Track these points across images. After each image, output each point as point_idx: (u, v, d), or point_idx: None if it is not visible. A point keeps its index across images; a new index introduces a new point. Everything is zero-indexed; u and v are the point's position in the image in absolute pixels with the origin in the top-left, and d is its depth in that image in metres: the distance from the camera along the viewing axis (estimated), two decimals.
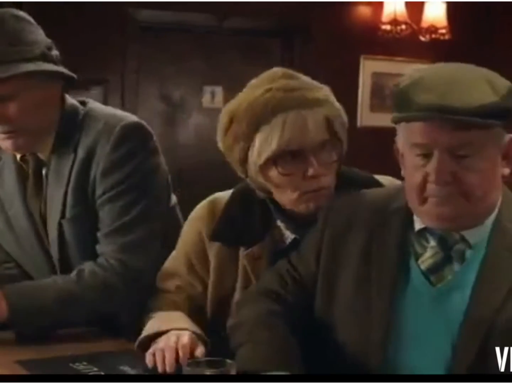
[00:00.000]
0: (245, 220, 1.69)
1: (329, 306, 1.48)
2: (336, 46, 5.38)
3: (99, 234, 1.88)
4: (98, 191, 1.87)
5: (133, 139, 1.87)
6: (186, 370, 1.27)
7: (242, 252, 1.68)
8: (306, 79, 1.69)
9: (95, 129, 1.88)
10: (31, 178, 1.94)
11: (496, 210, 1.42)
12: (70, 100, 1.95)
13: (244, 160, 1.64)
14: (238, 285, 1.69)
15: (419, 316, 1.39)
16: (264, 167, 1.61)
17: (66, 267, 1.91)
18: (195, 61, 5.26)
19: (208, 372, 1.19)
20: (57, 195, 1.89)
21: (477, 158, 1.33)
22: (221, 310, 1.69)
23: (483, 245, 1.40)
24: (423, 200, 1.37)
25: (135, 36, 4.96)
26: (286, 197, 1.63)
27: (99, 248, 1.87)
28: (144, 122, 1.93)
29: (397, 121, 1.40)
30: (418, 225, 1.43)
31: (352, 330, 1.43)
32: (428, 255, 1.41)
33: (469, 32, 5.67)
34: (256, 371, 1.33)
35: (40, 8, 3.95)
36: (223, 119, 1.66)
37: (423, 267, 1.41)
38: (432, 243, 1.41)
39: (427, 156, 1.35)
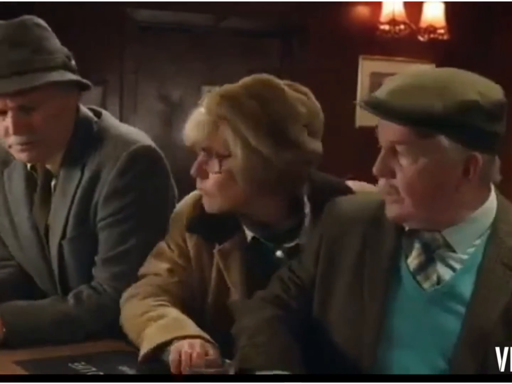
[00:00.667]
0: (217, 217, 1.73)
1: (324, 309, 1.49)
2: (334, 46, 5.38)
3: (96, 258, 1.89)
4: (99, 215, 1.87)
5: (139, 166, 1.85)
6: (188, 371, 1.27)
7: (215, 249, 1.73)
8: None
9: (104, 151, 1.87)
10: (39, 189, 1.94)
11: (491, 219, 1.41)
12: (84, 110, 1.94)
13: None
14: (213, 281, 1.74)
15: (410, 320, 1.40)
16: None
17: (65, 283, 1.93)
18: (194, 61, 5.26)
19: (207, 371, 1.19)
20: (60, 213, 1.90)
21: (411, 160, 1.35)
22: (203, 301, 1.75)
23: (478, 256, 1.40)
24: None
25: (134, 36, 4.96)
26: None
27: (94, 271, 1.88)
28: (153, 145, 1.92)
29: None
30: (407, 226, 1.45)
31: (345, 332, 1.44)
32: (413, 255, 1.43)
33: (467, 32, 5.67)
34: (255, 371, 1.33)
35: (39, 8, 3.95)
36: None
37: (411, 268, 1.42)
38: (417, 245, 1.43)
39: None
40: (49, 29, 1.86)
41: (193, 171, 1.71)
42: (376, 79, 5.47)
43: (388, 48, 5.48)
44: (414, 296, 1.41)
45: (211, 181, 1.69)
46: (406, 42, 5.44)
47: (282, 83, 1.72)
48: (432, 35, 5.46)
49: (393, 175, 1.38)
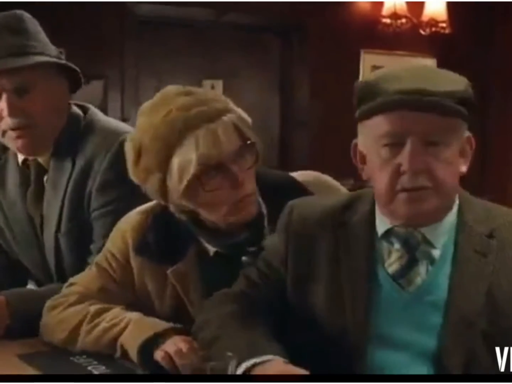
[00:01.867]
0: (166, 241, 1.67)
1: (303, 311, 1.46)
2: (336, 40, 5.37)
3: (91, 246, 1.89)
4: (93, 205, 1.88)
5: None
6: (185, 364, 1.27)
7: (169, 270, 1.66)
8: (200, 91, 1.64)
9: (94, 143, 1.89)
10: (32, 184, 1.95)
11: (455, 209, 1.41)
12: (73, 107, 1.97)
13: (163, 190, 1.59)
14: (168, 299, 1.67)
15: (394, 319, 1.39)
16: (187, 191, 1.56)
17: (61, 273, 1.94)
18: (194, 56, 5.25)
19: (208, 365, 1.19)
20: (53, 207, 1.91)
21: (444, 147, 1.33)
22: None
23: (450, 247, 1.39)
24: (393, 196, 1.35)
25: (134, 30, 4.96)
26: (215, 214, 1.61)
27: (90, 262, 1.87)
28: None
29: (367, 112, 1.36)
30: (381, 228, 1.42)
31: (329, 334, 1.42)
32: (393, 259, 1.41)
33: (469, 25, 5.66)
34: (244, 357, 1.30)
35: (40, 3, 3.95)
36: (129, 152, 1.61)
37: (390, 271, 1.40)
38: (396, 245, 1.40)
39: (396, 146, 1.33)
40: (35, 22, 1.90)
41: None
42: None
43: (390, 42, 5.47)
44: (396, 297, 1.39)
45: (253, 180, 1.64)
46: (408, 36, 5.44)
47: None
48: (433, 29, 5.45)
49: (429, 168, 1.32)
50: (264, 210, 1.66)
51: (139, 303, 1.70)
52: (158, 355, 1.50)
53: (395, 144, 1.33)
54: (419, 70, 1.39)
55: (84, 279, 1.75)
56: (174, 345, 1.50)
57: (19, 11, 1.87)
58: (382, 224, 1.42)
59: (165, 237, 1.68)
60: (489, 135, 5.76)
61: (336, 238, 1.46)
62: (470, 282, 1.36)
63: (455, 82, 1.35)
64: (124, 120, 3.81)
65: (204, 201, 1.59)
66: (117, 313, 1.64)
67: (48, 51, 1.86)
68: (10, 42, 1.80)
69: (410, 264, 1.40)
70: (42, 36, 1.88)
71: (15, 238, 2.03)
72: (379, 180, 1.37)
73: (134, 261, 1.69)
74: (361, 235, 1.44)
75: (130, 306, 1.68)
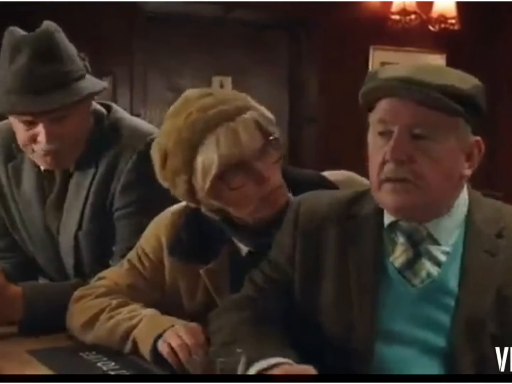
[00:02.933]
0: (199, 240, 1.69)
1: (311, 309, 1.46)
2: (345, 36, 5.36)
3: (114, 248, 1.90)
4: (116, 205, 1.88)
5: None
6: (195, 360, 1.27)
7: (201, 269, 1.68)
8: (220, 91, 1.66)
9: (118, 143, 1.88)
10: (56, 190, 1.94)
11: (465, 210, 1.41)
12: (94, 104, 1.94)
13: (191, 191, 1.61)
14: (198, 300, 1.69)
15: (402, 315, 1.38)
16: (212, 190, 1.58)
17: (79, 272, 1.94)
18: (203, 52, 5.25)
19: (218, 360, 1.19)
20: (75, 206, 1.90)
21: (434, 143, 1.32)
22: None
23: (459, 246, 1.39)
24: (380, 184, 1.36)
25: (143, 27, 4.96)
26: (244, 211, 1.62)
27: (112, 262, 1.88)
28: None
29: (362, 95, 1.39)
30: (387, 220, 1.42)
31: (337, 330, 1.42)
32: (398, 252, 1.41)
33: (478, 22, 5.64)
34: (255, 360, 1.31)
35: (49, 1, 3.95)
36: (156, 156, 1.63)
37: (396, 264, 1.40)
38: (401, 239, 1.40)
39: (387, 135, 1.34)
40: (61, 31, 1.84)
41: None
42: None
43: (399, 39, 5.45)
44: (404, 292, 1.39)
45: (279, 173, 1.65)
46: (417, 32, 5.42)
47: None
48: (443, 25, 5.43)
49: (411, 159, 1.32)
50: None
51: (166, 301, 1.71)
52: (163, 349, 1.51)
53: (386, 132, 1.34)
54: (427, 65, 1.39)
55: (114, 274, 1.76)
56: (178, 338, 1.51)
57: (47, 26, 1.79)
58: (387, 217, 1.42)
59: (198, 237, 1.69)
60: (499, 132, 5.74)
61: (344, 231, 1.46)
62: (479, 281, 1.36)
63: (459, 80, 1.33)
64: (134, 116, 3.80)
65: (231, 199, 1.60)
66: (134, 308, 1.66)
67: (80, 69, 1.80)
68: (45, 72, 1.73)
69: (415, 258, 1.39)
70: (69, 48, 1.81)
71: (31, 238, 2.02)
72: (370, 168, 1.38)
73: (167, 260, 1.71)
74: (369, 228, 1.44)
75: (158, 304, 1.69)
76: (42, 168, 1.94)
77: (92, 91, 1.81)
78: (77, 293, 1.76)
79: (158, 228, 1.73)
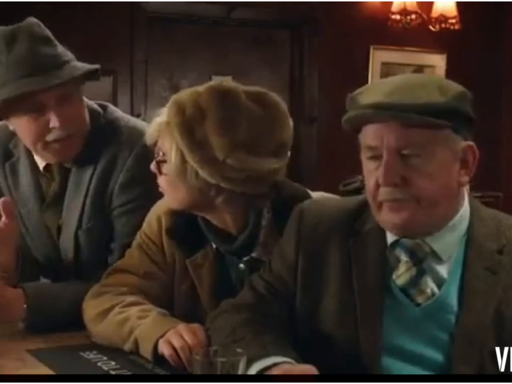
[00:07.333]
0: (193, 229, 1.71)
1: (315, 321, 1.46)
2: (345, 36, 5.36)
3: (113, 245, 1.90)
4: (115, 203, 1.89)
5: None
6: (196, 360, 1.27)
7: (187, 260, 1.72)
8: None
9: (116, 141, 1.90)
10: (54, 188, 1.95)
11: (466, 223, 1.41)
12: (90, 103, 1.96)
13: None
14: (183, 289, 1.74)
15: (407, 333, 1.38)
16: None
17: (79, 271, 1.95)
18: (204, 51, 5.25)
19: (219, 360, 1.19)
20: (75, 205, 1.91)
21: (425, 160, 1.32)
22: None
23: (459, 263, 1.39)
24: (379, 206, 1.37)
25: (143, 26, 4.96)
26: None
27: (111, 259, 1.89)
28: None
29: (344, 123, 1.39)
30: (390, 239, 1.42)
31: (342, 344, 1.41)
32: (402, 270, 1.40)
33: (479, 22, 5.64)
34: (260, 356, 1.31)
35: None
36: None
37: (399, 282, 1.40)
38: (404, 257, 1.40)
39: (377, 159, 1.34)
40: None
41: (151, 166, 1.67)
42: (387, 69, 5.46)
43: (400, 38, 5.45)
44: (408, 310, 1.39)
45: (162, 179, 1.67)
46: (418, 32, 5.42)
47: (243, 96, 1.60)
48: (443, 25, 5.43)
49: (405, 180, 1.32)
50: (265, 222, 1.66)
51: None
52: (165, 349, 1.51)
53: (375, 157, 1.35)
54: (405, 81, 1.37)
55: (128, 264, 1.77)
56: (180, 338, 1.51)
57: (31, 18, 1.85)
58: (390, 235, 1.42)
59: (192, 225, 1.71)
60: (502, 132, 5.74)
61: (348, 249, 1.45)
62: (479, 300, 1.35)
63: (438, 92, 1.32)
64: (135, 116, 3.81)
65: None
66: (145, 308, 1.67)
67: (70, 54, 1.85)
68: (45, 52, 1.79)
69: (419, 275, 1.39)
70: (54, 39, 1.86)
71: (29, 234, 2.02)
72: (367, 190, 1.39)
73: (165, 241, 1.74)
74: (373, 247, 1.43)
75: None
76: (40, 166, 1.95)
77: (90, 68, 1.85)
78: (95, 288, 1.76)
79: (159, 210, 1.76)
